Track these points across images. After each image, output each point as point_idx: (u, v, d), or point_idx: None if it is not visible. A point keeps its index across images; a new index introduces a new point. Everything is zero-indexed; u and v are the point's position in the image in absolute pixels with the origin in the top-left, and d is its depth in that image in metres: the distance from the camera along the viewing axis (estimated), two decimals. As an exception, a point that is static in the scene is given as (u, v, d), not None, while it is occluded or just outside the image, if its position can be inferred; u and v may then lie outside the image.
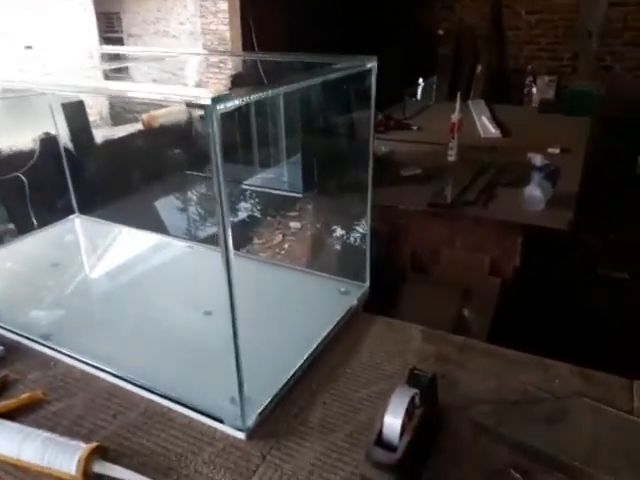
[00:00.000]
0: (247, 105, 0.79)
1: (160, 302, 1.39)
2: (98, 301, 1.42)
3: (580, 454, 0.92)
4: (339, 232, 2.47)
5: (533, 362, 1.17)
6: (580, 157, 2.75)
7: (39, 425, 0.98)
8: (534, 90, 5.43)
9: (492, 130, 3.31)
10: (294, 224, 4.35)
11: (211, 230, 3.09)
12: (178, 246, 1.75)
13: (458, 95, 2.93)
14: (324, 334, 1.21)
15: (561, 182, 2.46)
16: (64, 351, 1.18)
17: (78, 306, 1.39)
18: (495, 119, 3.55)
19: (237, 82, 4.55)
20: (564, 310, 2.98)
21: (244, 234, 3.97)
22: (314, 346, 1.17)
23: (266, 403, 1.02)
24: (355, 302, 1.35)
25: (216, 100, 0.72)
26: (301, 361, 1.13)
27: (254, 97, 0.80)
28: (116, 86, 0.78)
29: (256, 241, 4.07)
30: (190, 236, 2.85)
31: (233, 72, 4.81)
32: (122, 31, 6.88)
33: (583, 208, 2.93)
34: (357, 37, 5.74)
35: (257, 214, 4.14)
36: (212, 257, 1.68)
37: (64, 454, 0.87)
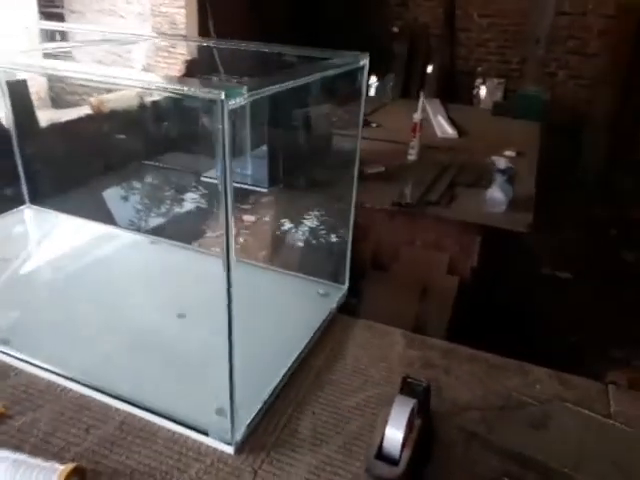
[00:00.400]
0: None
1: (128, 303, 1.30)
2: (58, 302, 1.31)
3: (568, 460, 0.94)
4: (307, 229, 2.43)
5: (513, 367, 1.18)
6: (534, 160, 2.85)
7: (2, 443, 0.89)
8: (482, 92, 5.59)
9: (449, 131, 3.37)
10: (248, 217, 4.26)
11: (169, 223, 2.96)
12: (140, 241, 1.66)
13: (421, 94, 2.95)
14: (307, 339, 1.18)
15: (517, 185, 2.53)
16: (25, 358, 1.08)
17: (36, 307, 1.28)
18: (450, 119, 3.61)
19: (191, 68, 4.39)
20: (515, 309, 3.10)
21: (196, 226, 3.85)
22: (298, 352, 1.14)
23: (254, 414, 0.97)
24: (334, 305, 1.32)
25: (229, 95, 0.67)
26: (286, 368, 1.09)
27: (265, 92, 0.76)
28: (114, 73, 0.70)
29: (209, 234, 3.96)
30: (147, 230, 2.72)
31: (188, 57, 4.63)
32: (63, 7, 6.46)
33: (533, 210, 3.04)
34: (316, 29, 5.68)
35: (209, 206, 4.01)
36: (178, 254, 1.60)
37: (38, 476, 0.79)
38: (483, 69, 5.65)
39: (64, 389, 1.03)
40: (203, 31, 4.57)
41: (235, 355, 1.09)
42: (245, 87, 0.70)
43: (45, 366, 1.06)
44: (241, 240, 3.98)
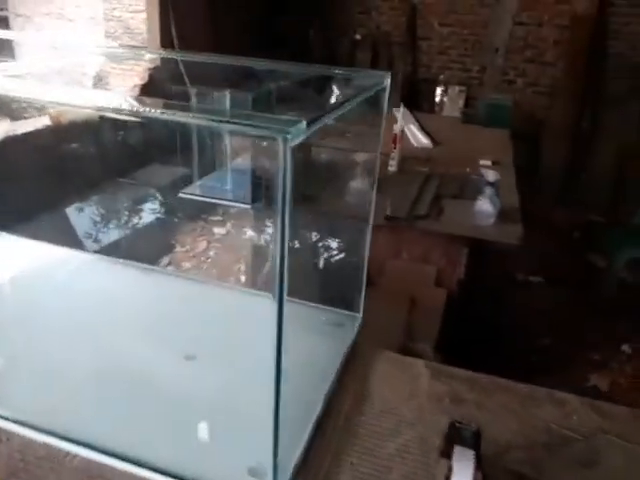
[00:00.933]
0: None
1: (125, 344, 1.18)
2: (43, 346, 1.17)
3: (623, 500, 0.90)
4: (299, 246, 2.34)
5: (544, 395, 1.14)
6: (511, 169, 2.87)
7: (4, 530, 0.76)
8: (445, 99, 5.67)
9: (424, 141, 3.37)
10: (219, 229, 4.13)
11: (141, 242, 2.79)
12: (128, 270, 1.52)
13: (401, 105, 2.93)
14: (331, 379, 1.09)
15: (500, 195, 2.53)
16: (16, 418, 0.94)
17: (19, 354, 1.14)
18: (423, 128, 3.61)
19: (155, 77, 4.20)
20: (495, 316, 3.12)
21: (166, 242, 3.69)
22: (324, 395, 1.05)
23: (291, 472, 0.88)
24: (352, 338, 1.24)
25: (290, 133, 0.58)
26: (315, 415, 1.00)
27: (321, 124, 0.68)
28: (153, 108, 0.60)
29: (179, 249, 3.80)
30: (123, 251, 2.55)
31: (150, 65, 4.43)
32: (7, 9, 6.09)
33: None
34: (277, 34, 5.61)
35: (178, 220, 3.86)
36: (175, 283, 1.49)
37: None
38: (445, 77, 5.73)
39: (68, 455, 0.90)
40: (165, 36, 4.40)
41: (250, 404, 1.00)
42: (304, 122, 0.62)
43: (42, 427, 0.93)
44: (211, 254, 3.85)
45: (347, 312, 1.32)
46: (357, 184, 2.26)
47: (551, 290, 3.59)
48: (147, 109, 0.60)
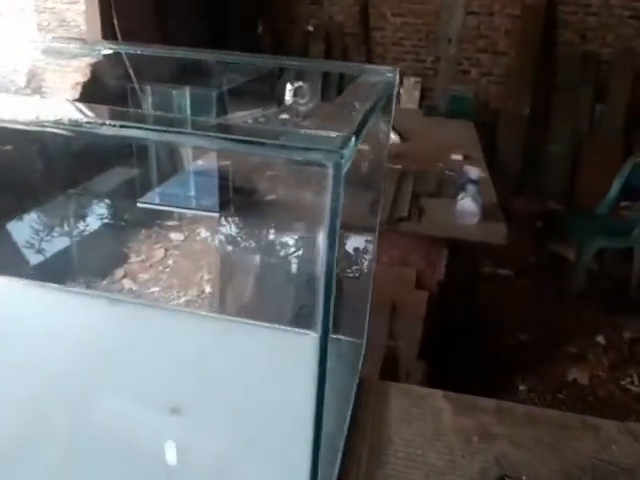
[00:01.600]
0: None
1: (94, 398, 0.99)
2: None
3: None
4: (276, 258, 2.17)
5: (576, 423, 1.04)
6: (482, 164, 2.80)
7: None
8: (401, 91, 5.59)
9: (392, 136, 3.25)
10: (176, 235, 3.88)
11: (104, 260, 2.52)
12: (92, 302, 1.31)
13: (370, 100, 2.80)
14: (346, 424, 0.95)
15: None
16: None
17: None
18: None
19: (99, 75, 3.87)
20: (469, 314, 3.06)
21: (120, 251, 3.42)
22: (342, 444, 0.90)
23: None
24: (359, 369, 1.10)
25: (343, 157, 0.43)
26: (336, 470, 0.85)
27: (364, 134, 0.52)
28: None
29: (134, 259, 3.54)
30: (79, 271, 2.29)
31: (91, 60, 4.09)
32: None
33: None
34: (224, 27, 5.35)
35: (132, 228, 3.60)
36: (147, 316, 1.29)
37: None
38: (400, 68, 5.64)
39: None
40: (107, 29, 4.07)
41: (251, 463, 0.85)
42: (353, 138, 0.46)
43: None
44: (170, 262, 3.61)
45: (348, 338, 1.17)
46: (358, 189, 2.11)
47: (520, 282, 3.57)
48: (148, 127, 0.43)
